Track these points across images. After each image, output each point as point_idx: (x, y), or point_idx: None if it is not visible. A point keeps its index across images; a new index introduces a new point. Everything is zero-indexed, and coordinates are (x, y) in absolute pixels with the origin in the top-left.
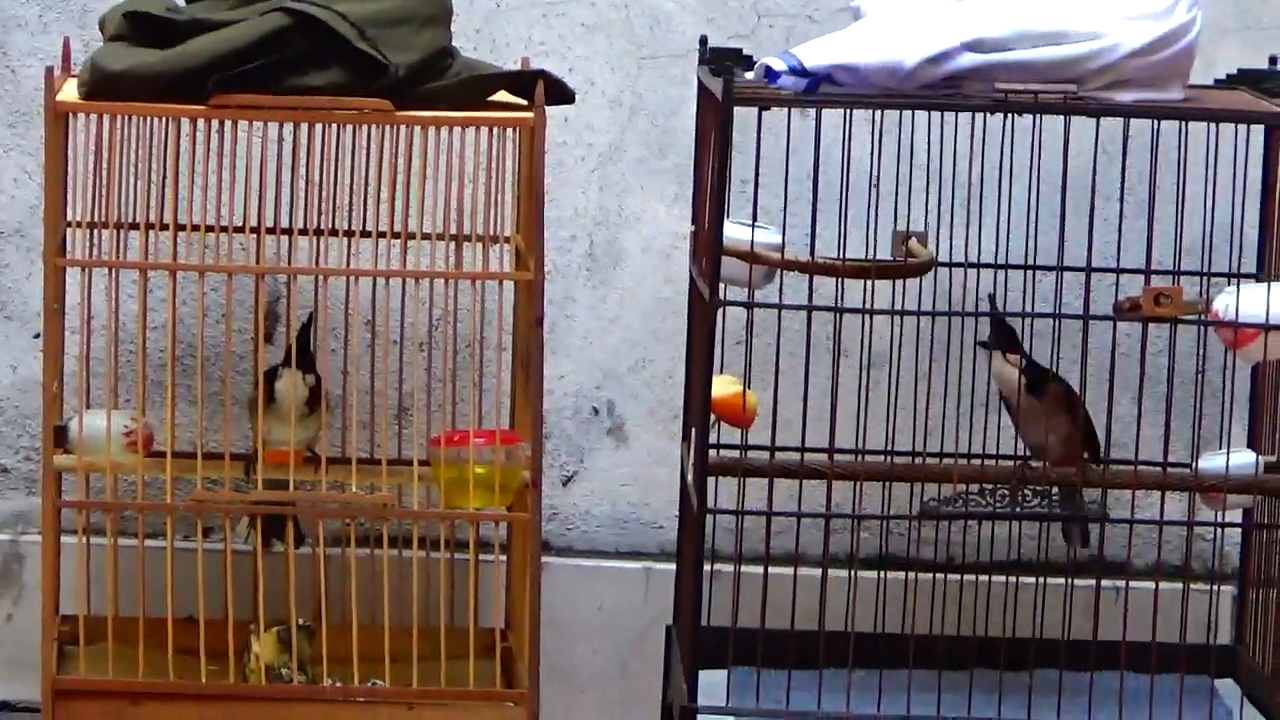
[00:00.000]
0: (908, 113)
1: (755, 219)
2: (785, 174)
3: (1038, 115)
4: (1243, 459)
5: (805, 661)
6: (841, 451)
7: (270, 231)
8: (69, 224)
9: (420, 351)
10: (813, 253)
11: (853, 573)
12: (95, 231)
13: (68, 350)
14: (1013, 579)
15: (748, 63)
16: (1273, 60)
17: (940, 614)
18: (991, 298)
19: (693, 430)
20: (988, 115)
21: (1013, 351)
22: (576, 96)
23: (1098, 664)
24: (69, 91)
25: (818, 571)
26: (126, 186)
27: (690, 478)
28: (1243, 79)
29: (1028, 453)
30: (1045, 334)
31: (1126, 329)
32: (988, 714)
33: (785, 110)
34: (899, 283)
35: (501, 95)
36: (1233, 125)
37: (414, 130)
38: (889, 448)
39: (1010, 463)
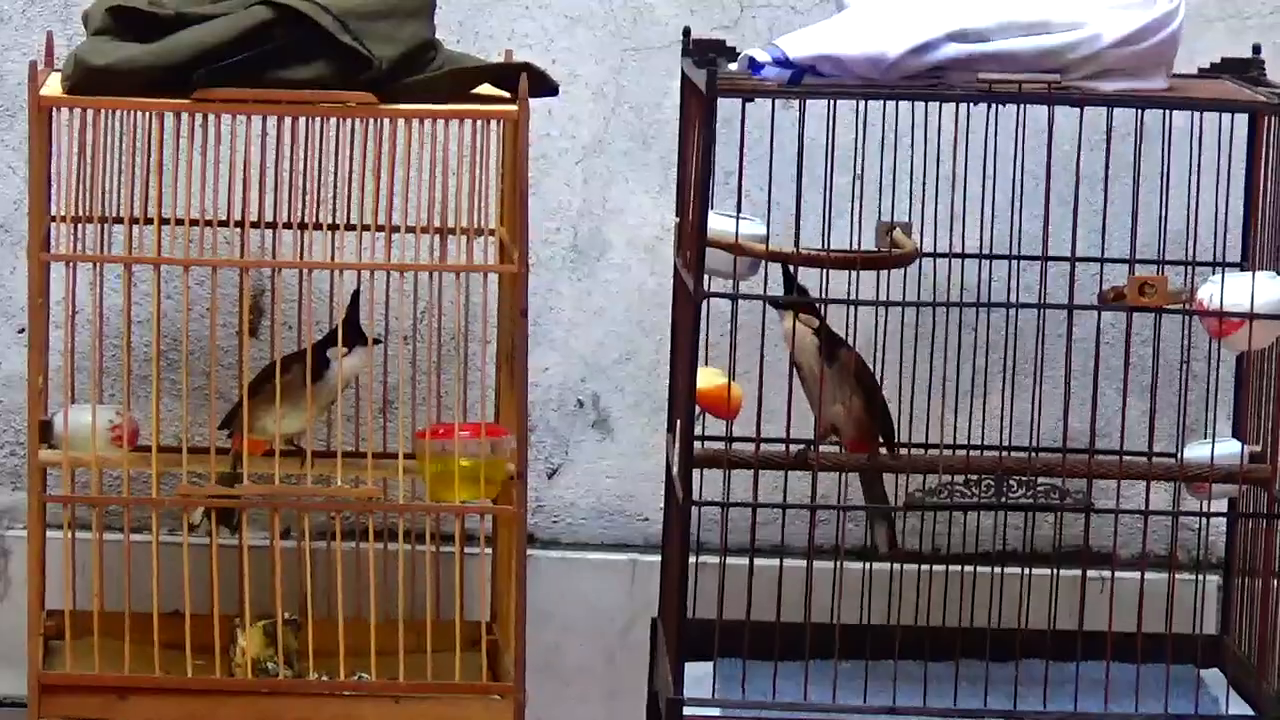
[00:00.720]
0: (891, 103)
1: (739, 210)
2: (769, 165)
3: (1021, 105)
4: (1228, 448)
5: (791, 653)
6: (827, 443)
7: (255, 225)
8: (53, 219)
9: (405, 344)
10: (797, 244)
11: (838, 564)
12: (79, 226)
13: (52, 345)
14: (998, 570)
15: (731, 54)
16: (1256, 49)
17: (926, 605)
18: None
19: (678, 422)
20: (971, 105)
21: (807, 312)
22: (560, 89)
23: (1084, 654)
24: (52, 86)
25: (803, 563)
26: (110, 181)
27: (675, 469)
28: (1226, 68)
29: (823, 434)
30: (1030, 324)
31: (1111, 318)
32: (974, 705)
33: (769, 101)
34: (884, 274)
35: (485, 88)
36: (1216, 114)
37: (398, 123)
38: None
39: (995, 454)
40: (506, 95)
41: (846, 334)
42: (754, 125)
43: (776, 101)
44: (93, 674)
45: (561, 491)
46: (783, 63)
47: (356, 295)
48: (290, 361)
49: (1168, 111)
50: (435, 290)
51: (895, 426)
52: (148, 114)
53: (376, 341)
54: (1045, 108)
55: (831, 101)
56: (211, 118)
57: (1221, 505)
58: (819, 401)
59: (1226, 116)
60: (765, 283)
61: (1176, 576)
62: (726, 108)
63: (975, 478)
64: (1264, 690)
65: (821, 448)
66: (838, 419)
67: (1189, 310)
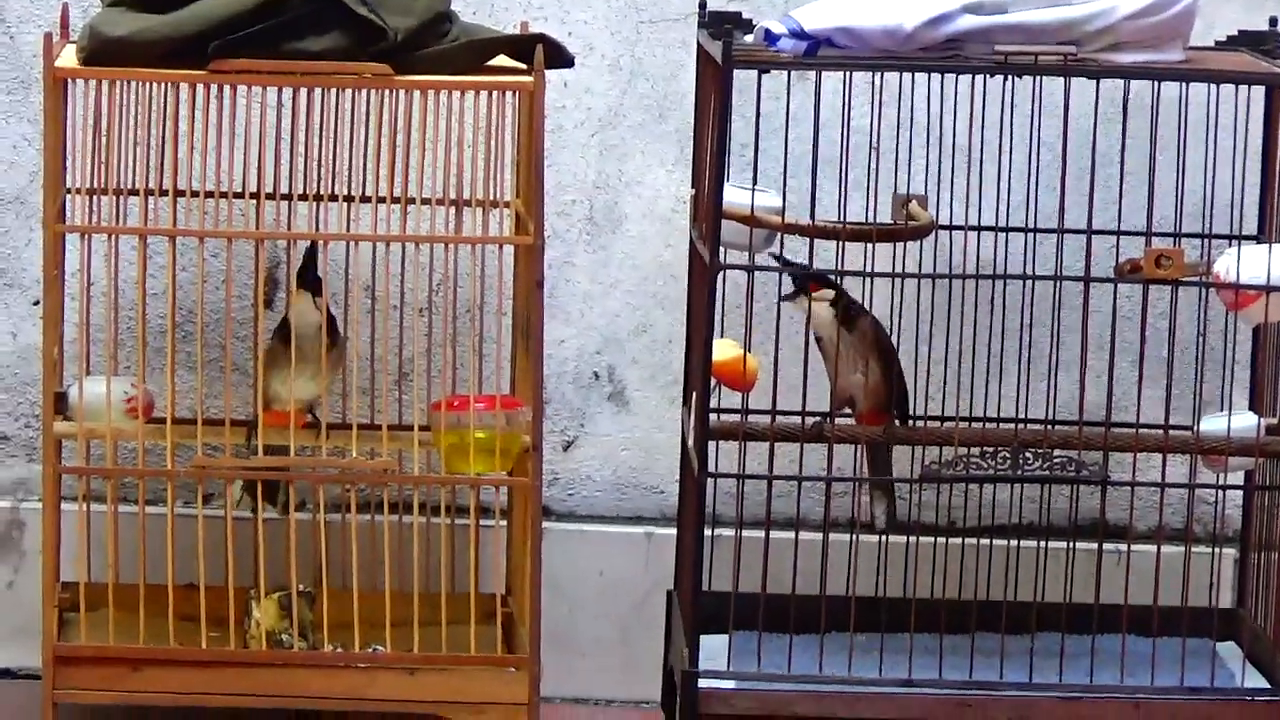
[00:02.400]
0: (907, 75)
1: (755, 182)
2: (785, 137)
3: (1037, 77)
4: (1244, 421)
5: (806, 626)
6: (842, 415)
7: (270, 197)
8: (68, 190)
9: (420, 316)
10: (813, 216)
11: (854, 537)
12: (94, 198)
13: (67, 317)
14: (1014, 542)
15: (747, 26)
16: (1273, 21)
17: (942, 578)
18: (776, 255)
19: (693, 394)
20: (987, 77)
21: (817, 288)
22: (576, 60)
23: (1100, 627)
24: (67, 57)
25: (819, 535)
26: (125, 152)
27: (691, 442)
28: (1243, 40)
29: (839, 405)
30: (1046, 296)
31: (1127, 291)
32: (990, 678)
33: (785, 73)
34: (899, 246)
35: (500, 59)
36: (1233, 86)
37: (413, 95)
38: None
39: (1011, 426)
40: (522, 67)
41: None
42: (769, 97)
43: (792, 74)
44: (107, 646)
45: (577, 464)
46: (799, 34)
47: (310, 247)
48: (279, 326)
49: (1184, 84)
50: (451, 262)
51: (910, 398)
52: (163, 85)
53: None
54: (1061, 80)
55: (847, 73)
56: (227, 89)
57: (1238, 478)
58: (835, 372)
59: (1243, 89)
60: (780, 254)
61: (1193, 549)
62: (742, 80)
63: (991, 450)
64: (1279, 663)
65: (837, 420)
66: (856, 389)
67: (1205, 283)
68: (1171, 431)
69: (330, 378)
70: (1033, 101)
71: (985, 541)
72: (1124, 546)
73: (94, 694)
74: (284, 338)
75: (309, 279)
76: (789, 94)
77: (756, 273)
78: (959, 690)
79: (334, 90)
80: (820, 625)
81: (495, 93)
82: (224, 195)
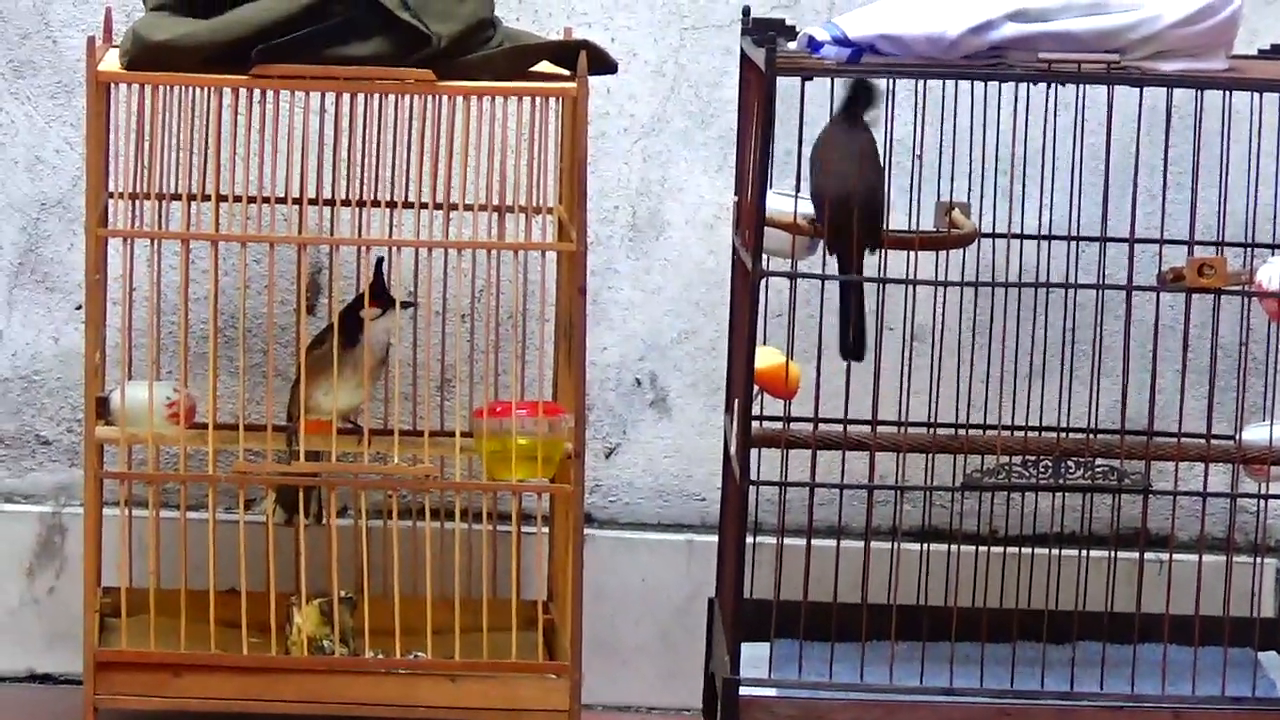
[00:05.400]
0: (951, 83)
1: (798, 190)
2: None
3: (1081, 85)
4: None
5: (848, 634)
6: (884, 423)
7: (313, 202)
8: (111, 195)
9: (463, 323)
10: (857, 224)
11: (895, 545)
12: (137, 202)
13: (109, 322)
14: (1055, 551)
15: (790, 33)
16: None
17: (983, 586)
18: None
19: (735, 402)
20: (1031, 85)
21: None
22: (619, 67)
23: (1141, 636)
24: (110, 62)
25: (860, 544)
26: (168, 157)
27: (733, 449)
28: None
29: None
30: (1088, 305)
31: (1170, 300)
32: (1031, 687)
33: (828, 80)
34: (942, 254)
35: (544, 66)
36: (1277, 95)
37: (456, 101)
38: (932, 419)
39: (1054, 435)
40: (565, 73)
41: (903, 314)
42: (813, 104)
43: (836, 80)
44: (148, 651)
45: (619, 471)
46: (842, 41)
47: (380, 262)
48: (323, 336)
49: (1227, 92)
50: (494, 268)
51: (953, 406)
52: (206, 90)
53: (405, 305)
54: (1105, 88)
55: (891, 80)
56: (270, 94)
57: None
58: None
59: None
60: (824, 262)
61: (1234, 559)
62: (786, 86)
63: (1033, 459)
64: None
65: (880, 431)
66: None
67: (1248, 291)
68: (1214, 441)
69: (371, 387)
70: (1076, 109)
71: (1027, 550)
72: (1165, 556)
73: (135, 699)
74: (331, 346)
75: (383, 294)
76: (832, 101)
77: (799, 280)
78: (1000, 699)
79: (377, 96)
80: (861, 633)
81: (538, 99)
82: (266, 200)
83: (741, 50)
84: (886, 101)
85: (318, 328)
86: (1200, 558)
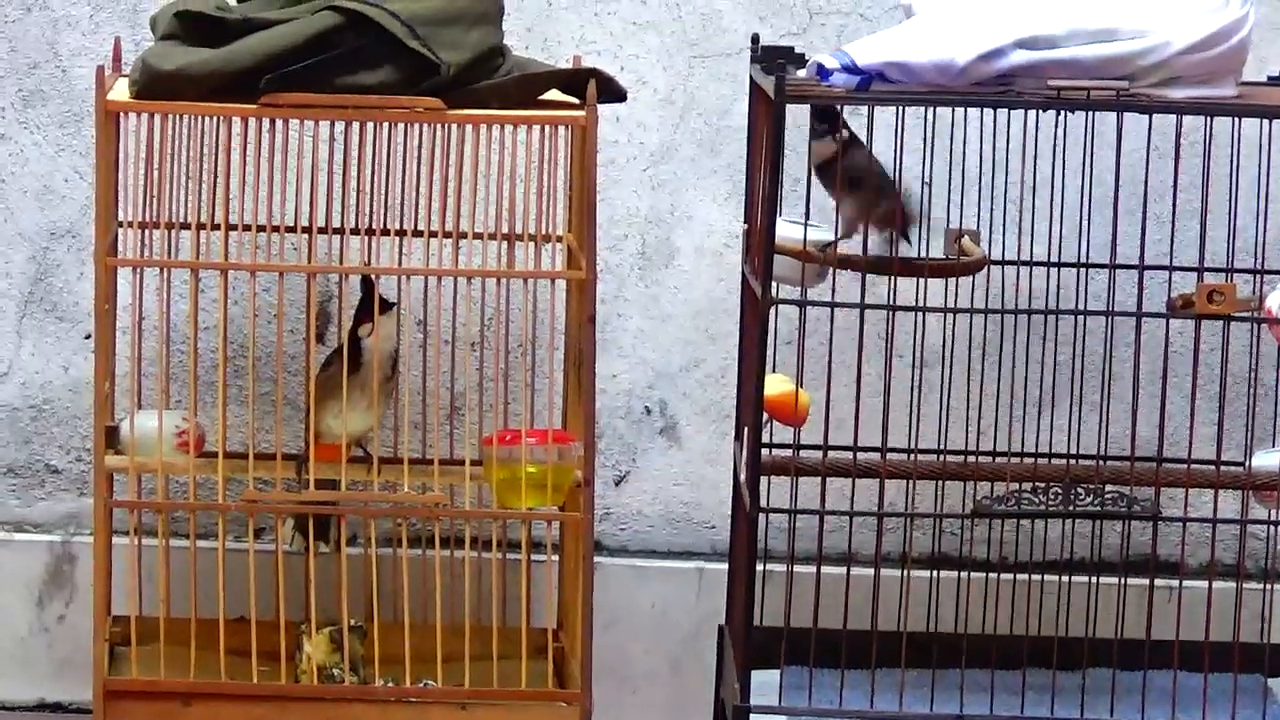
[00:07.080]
0: (960, 110)
1: (808, 217)
2: (838, 172)
3: (1090, 112)
4: None
5: (858, 661)
6: (894, 450)
7: (322, 231)
8: (120, 224)
9: (472, 351)
10: (865, 251)
11: (905, 572)
12: (146, 231)
13: (119, 351)
14: (1065, 578)
15: (800, 61)
16: None
17: (993, 613)
18: None
19: (745, 429)
20: (1040, 112)
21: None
22: (628, 95)
23: (1151, 663)
24: (120, 91)
25: (870, 571)
26: (177, 186)
27: (743, 477)
28: None
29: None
30: (1098, 331)
31: (1179, 326)
32: (1041, 714)
33: (837, 108)
34: (952, 281)
35: (553, 94)
36: None
37: (465, 129)
38: (941, 446)
39: (1063, 461)
40: (574, 101)
41: (913, 341)
42: None
43: (845, 108)
44: (158, 680)
45: (629, 499)
46: (851, 69)
47: (365, 279)
48: (330, 359)
49: (1237, 119)
50: (503, 296)
51: (962, 433)
52: (215, 119)
53: (386, 306)
54: (1114, 115)
55: (900, 108)
56: (279, 123)
57: None
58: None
59: None
60: (833, 290)
61: (1244, 585)
62: (795, 114)
63: (1043, 485)
64: None
65: (890, 457)
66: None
67: (1258, 318)
68: (1223, 467)
69: (382, 410)
70: (1085, 136)
71: (1037, 577)
72: (1175, 582)
73: None
74: (340, 367)
75: (370, 309)
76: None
77: (809, 308)
78: None
79: (386, 124)
80: (871, 660)
81: (547, 127)
82: (276, 229)
83: (751, 78)
84: (895, 128)
85: (326, 356)
86: (1210, 584)
